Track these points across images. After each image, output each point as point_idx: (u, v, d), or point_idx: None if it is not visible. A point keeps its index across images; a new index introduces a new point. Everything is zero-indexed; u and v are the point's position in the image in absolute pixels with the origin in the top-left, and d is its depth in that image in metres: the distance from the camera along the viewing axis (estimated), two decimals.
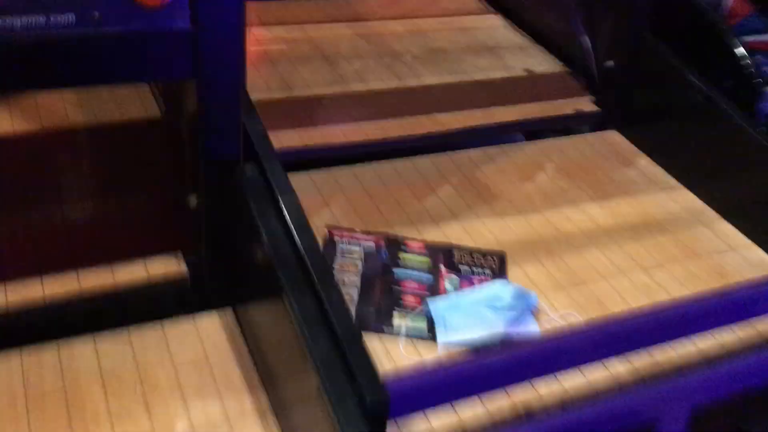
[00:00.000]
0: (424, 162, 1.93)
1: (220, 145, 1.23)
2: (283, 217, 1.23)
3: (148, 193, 1.48)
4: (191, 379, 1.24)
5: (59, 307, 1.25)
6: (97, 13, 1.04)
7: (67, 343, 1.24)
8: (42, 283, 1.27)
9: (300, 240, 1.18)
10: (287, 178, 1.31)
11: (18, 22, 1.00)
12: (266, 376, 1.25)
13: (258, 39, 2.28)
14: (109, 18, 1.05)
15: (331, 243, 1.62)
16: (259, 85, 2.04)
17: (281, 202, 1.25)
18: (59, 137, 1.62)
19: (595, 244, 1.73)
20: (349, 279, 1.55)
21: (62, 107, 1.74)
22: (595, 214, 1.82)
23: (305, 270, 1.15)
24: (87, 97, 1.79)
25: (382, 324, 1.43)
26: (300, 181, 1.71)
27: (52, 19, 1.02)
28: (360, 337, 1.07)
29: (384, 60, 2.30)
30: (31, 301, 1.24)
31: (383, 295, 1.51)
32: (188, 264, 1.36)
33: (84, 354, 1.23)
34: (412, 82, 2.20)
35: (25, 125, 1.65)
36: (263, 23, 2.37)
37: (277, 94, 2.02)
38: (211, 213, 1.29)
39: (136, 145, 1.64)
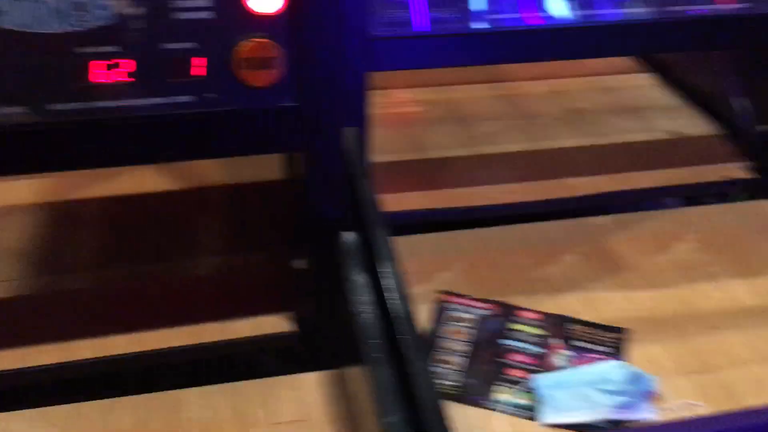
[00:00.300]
0: (552, 228, 1.87)
1: (324, 211, 1.28)
2: (380, 285, 1.26)
3: (265, 252, 1.57)
4: None
5: (172, 357, 1.35)
6: (211, 95, 1.14)
7: (176, 393, 1.33)
8: (160, 335, 1.39)
9: (393, 307, 1.20)
10: (391, 245, 1.33)
11: (142, 102, 1.12)
12: None
13: (394, 101, 2.36)
14: (223, 98, 1.15)
15: (442, 308, 1.61)
16: (389, 147, 2.10)
17: (380, 268, 1.28)
18: (195, 196, 1.78)
19: (735, 326, 1.58)
20: (456, 347, 1.53)
21: (204, 166, 1.90)
22: (738, 292, 1.67)
23: (392, 338, 1.16)
24: (230, 159, 1.94)
25: (482, 396, 1.39)
26: (421, 244, 1.74)
27: (170, 100, 1.13)
28: (442, 412, 1.06)
29: (519, 121, 2.28)
30: (147, 351, 1.35)
31: (488, 365, 1.47)
32: (297, 324, 1.42)
33: (193, 405, 1.31)
34: (546, 144, 2.17)
35: (169, 185, 1.82)
36: (403, 86, 2.45)
37: (407, 156, 2.07)
38: (317, 276, 1.34)
39: (259, 205, 1.75)
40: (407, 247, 1.77)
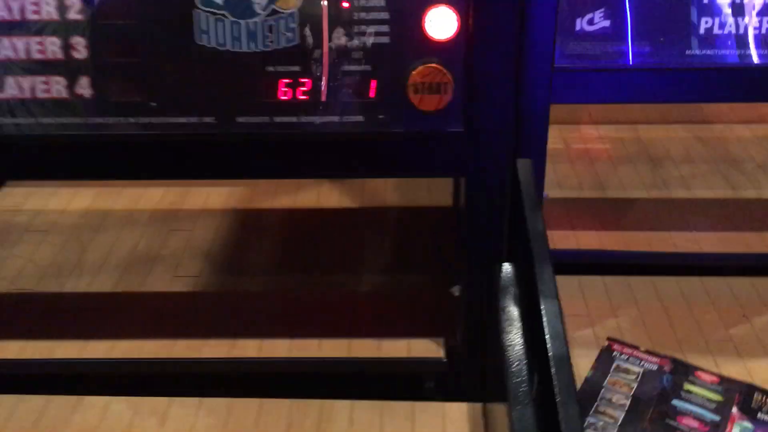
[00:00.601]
0: (742, 283, 1.70)
1: (483, 241, 1.26)
2: (538, 322, 1.21)
3: (426, 276, 1.57)
4: None
5: (326, 367, 1.39)
6: (382, 116, 1.18)
7: (329, 403, 1.37)
8: (319, 344, 1.44)
9: (549, 347, 1.15)
10: (555, 282, 1.29)
11: (319, 120, 1.18)
12: None
13: (583, 137, 2.28)
14: (393, 120, 1.18)
15: (607, 356, 1.52)
16: (570, 183, 2.03)
17: (541, 305, 1.23)
18: (368, 215, 1.83)
19: None
20: (617, 399, 1.43)
21: (383, 188, 1.96)
22: None
23: (544, 379, 1.11)
24: (406, 180, 1.99)
25: None
26: (590, 285, 1.66)
27: (344, 119, 1.18)
28: None
29: (720, 166, 2.11)
30: (307, 360, 1.41)
31: (653, 425, 1.36)
32: (448, 352, 1.41)
33: (340, 416, 1.34)
34: (748, 193, 1.98)
35: (346, 202, 1.90)
36: (593, 121, 2.37)
37: (586, 194, 1.99)
38: (471, 306, 1.32)
39: (426, 229, 1.77)
40: (574, 287, 1.70)
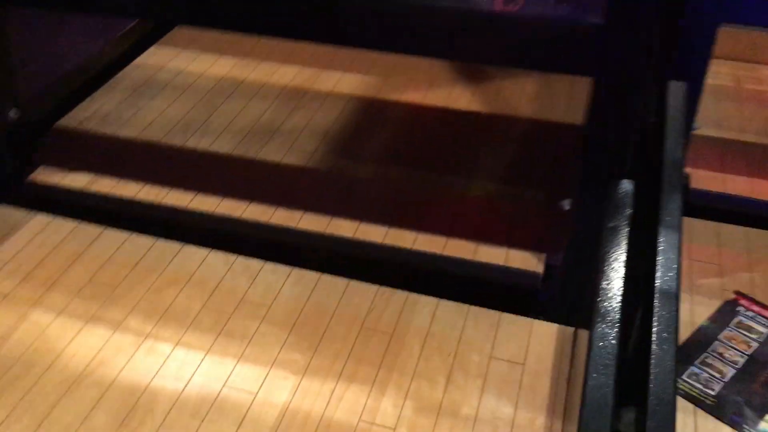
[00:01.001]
0: None
1: (603, 157, 1.14)
2: (652, 250, 1.09)
3: (539, 190, 1.47)
4: (499, 375, 1.20)
5: (419, 261, 1.35)
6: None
7: (414, 296, 1.34)
8: (415, 238, 1.40)
9: (659, 280, 1.03)
10: (680, 214, 1.15)
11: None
12: (569, 408, 1.14)
13: (759, 77, 2.02)
14: (528, 4, 1.07)
15: (730, 309, 1.36)
16: (732, 124, 1.81)
17: (660, 234, 1.11)
18: (496, 122, 1.73)
19: None
20: (730, 355, 1.28)
21: (518, 98, 1.84)
22: None
23: (644, 314, 1.00)
24: (545, 93, 1.86)
25: (743, 418, 1.15)
26: (728, 234, 1.49)
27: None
28: (671, 413, 0.89)
29: None
30: (399, 249, 1.37)
31: (765, 389, 1.21)
32: (546, 269, 1.32)
33: (422, 312, 1.31)
34: None
35: (476, 106, 1.80)
36: None
37: (750, 138, 1.77)
38: (579, 225, 1.21)
39: (551, 145, 1.65)
40: (710, 233, 1.53)
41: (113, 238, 1.42)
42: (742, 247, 1.48)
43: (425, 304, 1.34)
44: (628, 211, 1.12)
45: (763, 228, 1.53)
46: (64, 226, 1.44)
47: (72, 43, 1.69)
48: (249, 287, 1.34)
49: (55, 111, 1.64)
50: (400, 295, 1.35)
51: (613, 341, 0.97)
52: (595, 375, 0.93)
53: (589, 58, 1.08)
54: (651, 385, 0.93)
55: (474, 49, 1.14)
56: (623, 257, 1.08)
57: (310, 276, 1.37)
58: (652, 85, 1.28)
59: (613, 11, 1.04)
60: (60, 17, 1.60)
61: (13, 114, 1.43)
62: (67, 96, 1.68)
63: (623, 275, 1.06)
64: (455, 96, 1.83)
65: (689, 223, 1.52)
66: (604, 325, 0.98)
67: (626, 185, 1.16)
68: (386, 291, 1.35)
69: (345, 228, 1.42)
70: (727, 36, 1.54)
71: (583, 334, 1.27)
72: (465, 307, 1.33)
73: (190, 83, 1.84)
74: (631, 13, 1.04)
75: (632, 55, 1.07)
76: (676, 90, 1.37)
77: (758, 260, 1.45)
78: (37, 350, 1.21)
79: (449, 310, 1.33)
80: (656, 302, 1.03)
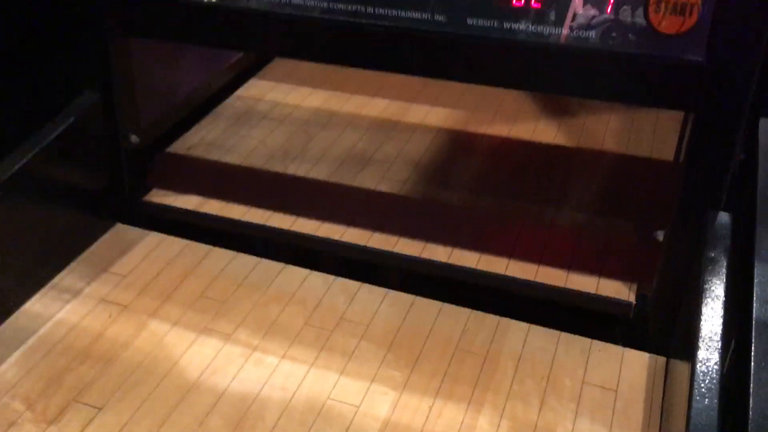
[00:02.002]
0: None
1: (700, 188, 1.18)
2: (749, 281, 1.11)
3: (629, 221, 1.50)
4: (592, 400, 1.24)
5: (512, 286, 1.40)
6: (615, 34, 1.13)
7: (506, 321, 1.38)
8: (508, 264, 1.45)
9: (758, 311, 1.06)
10: None
11: (546, 31, 1.16)
12: None
13: None
14: (627, 39, 1.13)
15: None
16: None
17: (758, 266, 1.13)
18: (583, 154, 1.78)
19: None
20: None
21: (602, 133, 1.88)
22: None
23: (743, 344, 1.02)
24: (629, 128, 1.90)
25: None
26: None
27: (575, 33, 1.15)
28: None
29: None
30: (493, 274, 1.43)
31: None
32: (638, 298, 1.35)
33: (515, 336, 1.35)
34: None
35: (562, 140, 1.85)
36: None
37: None
38: (674, 255, 1.24)
39: (640, 177, 1.68)
40: None
41: (221, 256, 1.52)
42: None
43: (517, 328, 1.38)
44: (727, 243, 1.15)
45: None
46: (176, 244, 1.55)
47: (182, 74, 1.82)
48: (347, 307, 1.41)
49: (167, 137, 1.76)
50: (492, 319, 1.40)
51: (716, 366, 1.00)
52: (698, 399, 0.96)
53: (691, 95, 1.13)
54: (751, 413, 0.96)
55: (578, 84, 1.21)
56: (722, 287, 1.11)
57: (405, 298, 1.44)
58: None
59: (713, 50, 1.10)
60: (171, 51, 1.73)
61: (134, 140, 1.55)
62: (178, 124, 1.80)
63: (723, 304, 1.09)
64: (540, 130, 1.89)
65: None
66: (706, 351, 1.01)
67: (724, 217, 1.19)
68: (479, 315, 1.41)
69: (439, 253, 1.48)
70: None
71: (675, 363, 1.29)
72: (556, 333, 1.37)
73: (288, 114, 1.95)
74: (731, 53, 1.09)
75: (733, 93, 1.11)
76: (767, 126, 1.40)
77: None
78: (155, 358, 1.30)
79: (541, 335, 1.37)
80: (754, 332, 1.05)
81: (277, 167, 1.74)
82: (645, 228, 1.41)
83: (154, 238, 1.56)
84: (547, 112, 1.96)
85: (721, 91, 1.11)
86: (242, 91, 2.04)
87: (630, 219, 1.54)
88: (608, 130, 1.89)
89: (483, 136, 1.87)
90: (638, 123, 1.89)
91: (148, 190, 1.64)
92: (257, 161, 1.76)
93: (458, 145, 1.84)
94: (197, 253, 1.52)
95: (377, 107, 1.99)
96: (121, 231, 1.59)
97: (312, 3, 1.26)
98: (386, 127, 1.90)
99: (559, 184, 1.68)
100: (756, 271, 1.14)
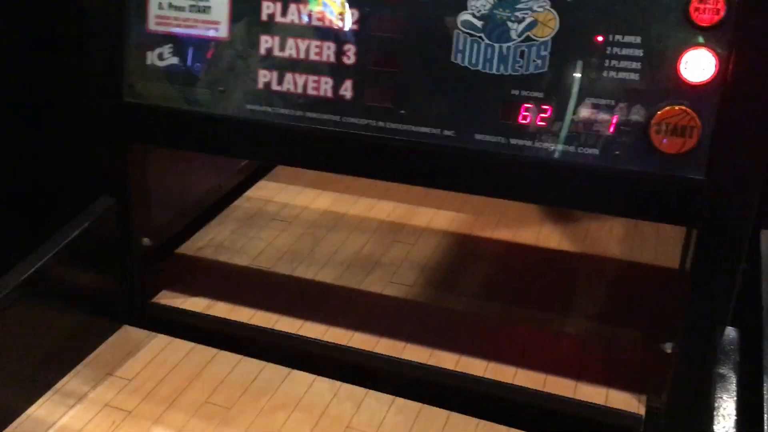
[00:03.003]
0: None
1: (707, 299, 1.19)
2: (760, 397, 1.11)
3: (636, 330, 1.51)
4: None
5: (520, 396, 1.39)
6: (618, 152, 1.17)
7: (509, 429, 1.37)
8: (515, 373, 1.44)
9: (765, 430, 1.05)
10: None
11: (552, 147, 1.20)
12: None
13: None
14: (629, 157, 1.17)
15: None
16: None
17: (764, 382, 1.13)
18: (588, 261, 1.80)
19: None
20: None
21: (607, 239, 1.91)
22: None
23: None
24: (632, 234, 1.92)
25: None
26: None
27: (579, 150, 1.19)
28: None
29: None
30: (501, 384, 1.41)
31: None
32: (648, 410, 1.33)
33: None
34: None
35: (567, 246, 1.87)
36: None
37: None
38: (683, 370, 1.24)
39: (644, 286, 1.69)
40: None
41: (227, 360, 1.51)
42: None
43: None
44: (735, 359, 1.15)
45: None
46: (182, 347, 1.54)
47: (194, 177, 1.86)
48: (354, 414, 1.40)
49: (177, 239, 1.79)
50: (500, 430, 1.38)
51: None
52: None
53: (693, 211, 1.16)
54: None
55: (580, 198, 1.24)
56: (733, 405, 1.10)
57: (412, 406, 1.42)
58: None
59: (713, 169, 1.13)
60: (186, 154, 1.78)
61: (146, 242, 1.58)
62: (188, 226, 1.84)
63: (735, 422, 1.08)
64: (545, 235, 1.92)
65: None
66: None
67: (731, 332, 1.20)
68: (486, 425, 1.38)
69: (446, 360, 1.48)
70: None
71: None
72: None
73: (296, 215, 1.99)
74: (731, 172, 1.13)
75: (735, 211, 1.14)
76: None
77: None
78: None
79: None
80: None
81: (285, 270, 1.75)
82: (652, 338, 1.41)
83: (161, 340, 1.56)
84: (551, 216, 2.00)
85: (722, 208, 1.14)
86: (251, 193, 2.09)
87: (637, 328, 1.54)
88: (612, 235, 1.92)
89: (488, 240, 1.90)
90: (641, 229, 1.92)
91: (156, 291, 1.65)
92: (265, 263, 1.78)
93: (464, 249, 1.86)
94: (204, 357, 1.52)
95: (384, 210, 2.02)
96: (128, 333, 1.59)
97: (326, 117, 1.32)
98: (393, 230, 1.93)
99: (565, 291, 1.69)
100: (765, 387, 1.14)
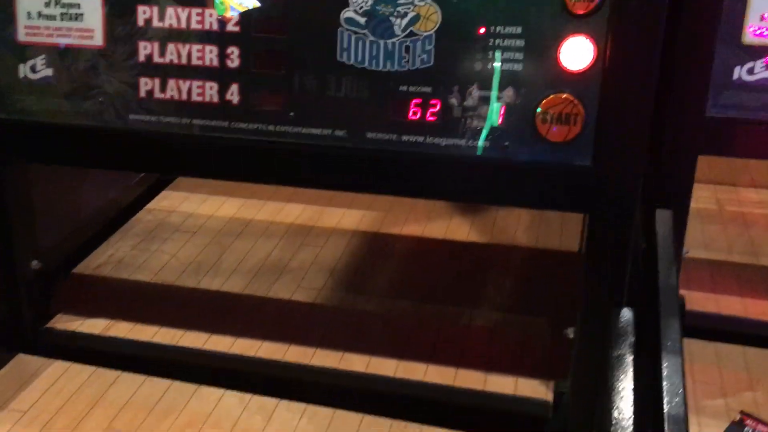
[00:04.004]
0: None
1: (601, 281, 1.20)
2: (655, 376, 1.13)
3: (543, 317, 1.53)
4: None
5: (431, 393, 1.38)
6: (507, 143, 1.17)
7: (428, 429, 1.34)
8: (426, 369, 1.43)
9: (665, 406, 1.07)
10: (680, 339, 1.20)
11: (444, 142, 1.20)
12: None
13: (740, 199, 2.13)
14: (517, 147, 1.17)
15: (737, 430, 1.39)
16: (719, 246, 1.90)
17: (663, 360, 1.15)
18: (495, 251, 1.81)
19: None
20: None
21: (514, 227, 1.93)
22: None
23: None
24: (539, 222, 1.95)
25: None
26: (729, 354, 1.54)
27: (470, 143, 1.19)
28: None
29: None
30: (411, 382, 1.41)
31: None
32: (556, 396, 1.35)
33: None
34: None
35: (477, 236, 1.89)
36: (754, 184, 2.20)
37: (737, 258, 1.85)
38: (583, 353, 1.26)
39: (549, 272, 1.72)
40: (710, 354, 1.58)
41: (131, 381, 1.45)
42: (742, 367, 1.52)
43: None
44: (631, 339, 1.17)
45: (759, 346, 1.58)
46: (82, 372, 1.47)
47: (88, 192, 1.78)
48: (265, 426, 1.36)
49: (72, 259, 1.71)
50: (413, 428, 1.37)
51: None
52: None
53: (583, 197, 1.18)
54: None
55: (475, 191, 1.24)
56: (630, 385, 1.12)
57: (324, 412, 1.39)
58: (640, 214, 1.36)
59: (599, 155, 1.15)
60: (75, 170, 1.70)
61: (34, 265, 1.49)
62: (84, 243, 1.75)
63: (632, 403, 1.10)
64: (453, 227, 1.92)
65: (688, 344, 1.56)
66: None
67: (626, 313, 1.22)
68: (400, 424, 1.37)
69: (357, 363, 1.46)
70: (705, 161, 1.65)
71: None
72: None
73: (201, 225, 1.93)
74: (616, 156, 1.14)
75: (621, 194, 1.16)
76: (663, 217, 1.46)
77: (758, 379, 1.49)
78: None
79: None
80: (666, 427, 1.06)
81: (190, 283, 1.70)
82: (558, 325, 1.43)
83: (57, 367, 1.48)
84: (459, 208, 2.00)
85: (610, 192, 1.16)
86: (154, 204, 2.02)
87: (545, 315, 1.56)
88: (519, 223, 1.94)
89: (398, 237, 1.89)
90: (547, 215, 1.95)
91: (52, 315, 1.57)
92: (169, 277, 1.72)
93: (373, 248, 1.85)
94: (104, 381, 1.45)
95: (292, 212, 1.99)
96: (22, 362, 1.50)
97: (214, 123, 1.27)
98: (301, 232, 1.90)
99: (474, 283, 1.70)
100: (663, 365, 1.16)
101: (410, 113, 1.21)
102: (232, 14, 1.21)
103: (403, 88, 1.20)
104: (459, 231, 1.90)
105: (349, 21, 1.19)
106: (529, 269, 1.76)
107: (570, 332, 1.30)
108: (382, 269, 1.75)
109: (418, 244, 1.85)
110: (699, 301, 1.67)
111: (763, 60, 1.37)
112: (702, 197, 2.12)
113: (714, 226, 2.00)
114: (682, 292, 1.60)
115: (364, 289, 1.69)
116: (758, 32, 1.36)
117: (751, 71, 1.38)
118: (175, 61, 1.26)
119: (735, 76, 1.37)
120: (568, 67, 1.13)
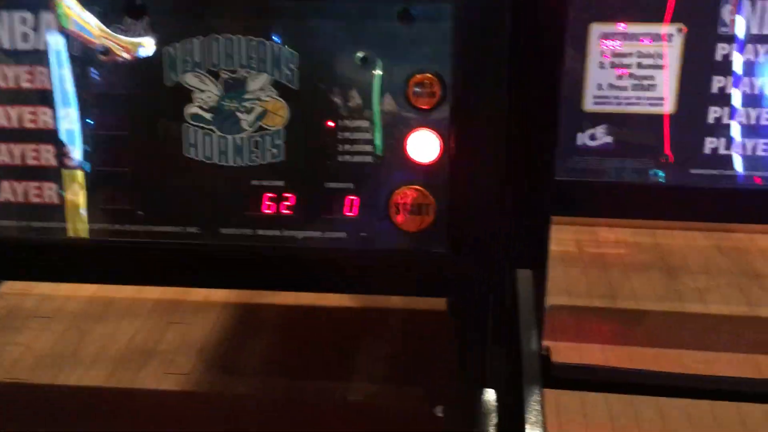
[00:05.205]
0: (754, 412, 1.61)
1: (465, 362, 1.23)
2: None
3: (415, 385, 1.54)
4: None
5: None
6: (364, 234, 1.18)
7: None
8: None
9: None
10: (542, 411, 1.24)
11: (301, 234, 1.18)
12: None
13: (598, 240, 2.24)
14: (375, 238, 1.18)
15: None
16: (579, 290, 1.99)
17: None
18: (369, 316, 1.82)
19: None
20: None
21: None
22: None
23: None
24: None
25: None
26: (593, 403, 1.60)
27: (326, 235, 1.18)
28: None
29: (739, 280, 2.03)
30: None
31: None
32: None
33: None
34: (765, 311, 1.90)
35: (347, 301, 1.88)
36: (610, 224, 2.33)
37: (597, 302, 1.94)
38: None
39: (425, 338, 1.74)
40: (576, 404, 1.64)
41: None
42: (605, 416, 1.59)
43: None
44: (493, 420, 1.20)
45: (619, 392, 1.65)
46: None
47: None
48: None
49: None
50: None
51: None
52: None
53: (441, 283, 1.19)
54: None
55: (336, 282, 1.23)
56: None
57: None
58: (504, 279, 1.40)
59: (453, 241, 1.17)
60: None
61: None
62: None
63: None
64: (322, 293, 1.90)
65: (556, 396, 1.62)
66: None
67: (489, 393, 1.24)
68: None
69: None
70: None
71: None
72: None
73: (58, 308, 1.82)
74: (469, 242, 1.17)
75: (479, 275, 1.18)
76: (524, 277, 1.50)
77: (622, 427, 1.56)
78: None
79: None
80: None
81: (45, 378, 1.59)
82: (433, 398, 1.44)
83: None
84: None
85: (467, 277, 1.18)
86: (5, 288, 1.88)
87: (420, 384, 1.57)
88: None
89: (268, 307, 1.85)
90: None
91: None
92: (22, 374, 1.60)
93: (244, 322, 1.80)
94: None
95: (157, 287, 1.91)
96: None
97: (55, 225, 1.20)
98: (168, 310, 1.83)
99: (348, 353, 1.69)
100: None
101: (264, 207, 1.19)
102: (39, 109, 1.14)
103: (255, 182, 1.17)
104: (330, 295, 1.89)
105: (195, 117, 1.16)
106: (401, 334, 1.77)
107: (438, 411, 1.31)
108: (253, 345, 1.71)
109: (289, 314, 1.82)
110: (564, 351, 1.73)
111: (603, 126, 1.46)
112: (563, 239, 2.21)
113: (575, 269, 2.09)
114: (547, 343, 1.67)
115: (236, 369, 1.64)
116: (597, 101, 1.45)
117: (593, 137, 1.47)
118: (8, 161, 1.18)
119: (579, 142, 1.46)
120: (416, 160, 1.14)
